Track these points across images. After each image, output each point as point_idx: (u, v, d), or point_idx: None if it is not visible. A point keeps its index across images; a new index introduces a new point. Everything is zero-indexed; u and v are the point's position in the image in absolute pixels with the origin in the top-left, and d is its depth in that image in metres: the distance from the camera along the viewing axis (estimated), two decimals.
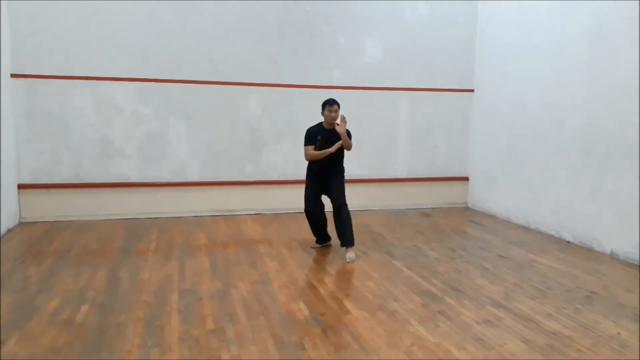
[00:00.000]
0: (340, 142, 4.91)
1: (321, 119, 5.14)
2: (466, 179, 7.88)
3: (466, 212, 7.58)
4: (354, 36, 7.21)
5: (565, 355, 3.11)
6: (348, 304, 3.87)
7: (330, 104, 5.02)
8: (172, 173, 6.73)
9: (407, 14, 7.35)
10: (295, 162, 7.17)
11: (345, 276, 4.53)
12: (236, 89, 6.84)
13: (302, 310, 3.73)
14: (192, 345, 3.15)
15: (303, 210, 5.32)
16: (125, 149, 6.53)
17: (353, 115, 7.29)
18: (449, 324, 3.51)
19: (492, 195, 7.35)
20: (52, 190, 6.32)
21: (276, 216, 6.91)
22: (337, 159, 5.14)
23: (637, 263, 5.00)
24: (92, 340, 3.19)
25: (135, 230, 6.00)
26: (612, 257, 5.27)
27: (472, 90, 7.71)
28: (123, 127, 6.50)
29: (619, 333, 3.45)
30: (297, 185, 7.18)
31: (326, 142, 4.96)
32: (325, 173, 5.15)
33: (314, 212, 5.23)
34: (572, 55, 5.81)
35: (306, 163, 5.23)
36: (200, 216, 6.78)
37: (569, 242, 5.83)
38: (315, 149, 5.01)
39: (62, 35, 6.17)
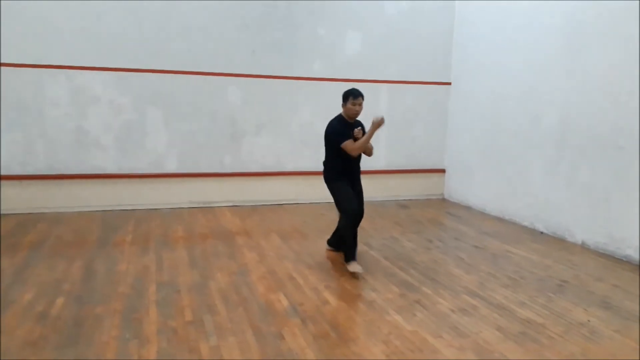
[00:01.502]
0: (379, 120, 4.32)
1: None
2: (443, 171, 7.98)
3: (443, 203, 7.68)
4: (334, 28, 7.20)
5: (537, 342, 3.20)
6: (327, 295, 3.91)
7: (355, 96, 4.41)
8: (149, 164, 6.65)
9: (387, 7, 7.37)
10: (275, 153, 7.18)
11: (324, 267, 4.55)
12: (216, 79, 6.78)
13: (281, 301, 3.75)
14: (171, 337, 3.15)
15: (345, 217, 4.45)
16: (101, 140, 6.42)
17: (333, 107, 7.33)
18: (425, 313, 3.57)
19: (468, 187, 7.46)
20: (26, 182, 6.19)
21: (255, 208, 6.90)
22: (359, 157, 4.64)
23: (607, 253, 5.15)
24: (68, 333, 3.15)
25: (111, 222, 5.92)
26: (584, 247, 5.42)
27: (450, 84, 7.79)
28: (99, 117, 6.38)
29: (589, 320, 3.56)
30: (277, 177, 7.23)
31: (350, 136, 4.45)
32: (351, 173, 4.62)
33: (360, 213, 4.58)
34: (549, 51, 5.91)
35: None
36: (178, 208, 6.73)
37: (542, 232, 5.97)
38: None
39: (36, 22, 6.01)
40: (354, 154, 4.42)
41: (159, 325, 3.30)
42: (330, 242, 5.04)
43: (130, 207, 6.55)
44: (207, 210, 6.72)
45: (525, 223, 6.28)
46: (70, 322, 3.30)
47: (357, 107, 4.45)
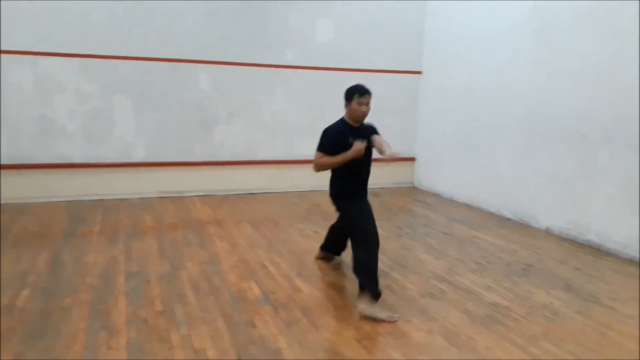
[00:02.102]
0: (374, 141, 3.63)
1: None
2: (413, 159, 8.08)
3: (413, 191, 7.79)
4: (306, 16, 7.16)
5: (503, 325, 3.31)
6: (298, 282, 3.93)
7: (361, 93, 3.60)
8: (117, 153, 6.52)
9: None
10: (247, 142, 7.13)
11: (296, 255, 4.57)
12: (186, 66, 6.67)
13: (252, 290, 3.76)
14: (141, 327, 3.12)
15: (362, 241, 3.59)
16: (67, 128, 6.25)
17: (306, 95, 7.34)
18: (395, 298, 3.64)
19: (438, 175, 7.58)
20: None
21: (226, 197, 6.86)
22: (369, 169, 3.85)
23: (570, 238, 5.33)
24: (35, 325, 3.09)
25: (78, 212, 5.80)
26: (548, 232, 5.59)
27: (420, 73, 7.87)
28: (65, 105, 6.21)
29: (551, 302, 3.69)
30: (249, 166, 7.19)
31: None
32: (363, 188, 3.85)
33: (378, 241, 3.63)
34: (517, 42, 6.02)
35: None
36: (147, 198, 6.63)
37: (508, 219, 6.13)
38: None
39: None
40: (315, 169, 3.73)
41: (128, 315, 3.26)
42: (327, 245, 4.36)
43: (98, 197, 6.42)
44: (177, 199, 6.64)
45: (493, 210, 6.43)
46: (37, 314, 3.24)
47: (363, 108, 3.61)
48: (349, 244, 3.79)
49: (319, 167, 3.70)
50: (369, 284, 3.44)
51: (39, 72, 6.05)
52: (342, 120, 3.76)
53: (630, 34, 4.68)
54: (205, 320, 3.23)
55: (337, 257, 4.42)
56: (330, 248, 4.34)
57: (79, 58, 6.19)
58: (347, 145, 3.56)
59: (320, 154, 3.66)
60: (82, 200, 6.32)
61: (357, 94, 3.62)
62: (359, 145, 3.48)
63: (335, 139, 3.63)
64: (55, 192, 6.25)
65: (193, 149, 6.87)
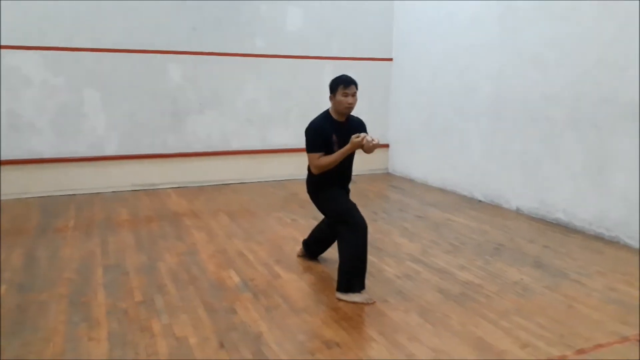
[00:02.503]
0: (361, 140, 3.31)
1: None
2: (387, 146, 8.18)
3: (387, 177, 7.90)
4: (275, 4, 7.14)
5: (476, 301, 3.43)
6: (278, 269, 3.98)
7: (346, 84, 3.45)
8: (88, 147, 6.42)
9: None
10: (220, 132, 7.10)
11: (274, 243, 4.62)
12: (155, 57, 6.59)
13: (232, 278, 3.79)
14: (121, 317, 3.13)
15: (354, 228, 3.43)
16: (35, 123, 6.12)
17: (278, 84, 7.34)
18: (372, 280, 3.72)
19: (411, 160, 7.70)
20: None
21: (201, 189, 6.84)
22: (352, 161, 3.73)
23: (539, 217, 5.51)
24: (13, 321, 3.07)
25: (50, 208, 5.71)
26: (518, 212, 5.77)
27: (391, 60, 7.95)
28: (32, 100, 6.08)
29: (522, 279, 3.84)
30: (222, 157, 7.17)
31: (343, 141, 3.46)
32: (344, 180, 3.78)
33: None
34: (484, 27, 6.14)
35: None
36: (121, 191, 6.57)
37: (480, 201, 6.30)
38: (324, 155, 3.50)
39: None
40: (316, 172, 3.55)
41: (108, 307, 3.27)
42: (308, 246, 4.16)
43: (70, 192, 6.33)
44: (151, 192, 6.59)
45: (465, 193, 6.59)
46: (14, 310, 3.21)
47: (349, 99, 3.47)
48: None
49: (320, 169, 3.51)
50: (355, 283, 3.39)
51: (4, 67, 5.90)
52: (326, 115, 3.61)
53: (588, 16, 4.83)
54: (185, 309, 3.25)
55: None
56: (310, 248, 4.15)
57: (44, 51, 6.06)
58: (330, 143, 3.49)
59: (317, 155, 3.49)
60: (54, 196, 6.21)
61: (341, 84, 3.47)
62: (356, 140, 3.31)
63: (321, 135, 3.51)
64: (26, 189, 6.13)
65: (166, 140, 6.81)
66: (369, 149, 3.33)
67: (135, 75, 6.53)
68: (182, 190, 6.74)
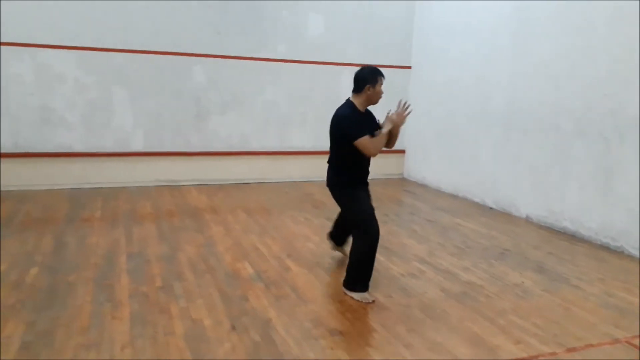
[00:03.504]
0: (397, 115, 3.61)
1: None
2: (403, 151, 8.35)
3: (402, 182, 8.07)
4: (297, 10, 7.39)
5: (476, 300, 3.60)
6: (289, 263, 4.20)
7: (381, 75, 3.55)
8: (115, 143, 6.75)
9: None
10: (240, 133, 7.37)
11: (287, 239, 4.84)
12: (181, 59, 6.90)
13: (246, 269, 4.03)
14: (142, 300, 3.39)
15: (367, 234, 3.52)
16: (67, 118, 6.48)
17: (298, 89, 7.59)
18: (378, 277, 3.90)
19: (426, 166, 7.87)
20: None
21: (221, 186, 7.11)
22: (369, 158, 3.72)
23: (547, 225, 5.63)
24: (43, 298, 3.35)
25: (78, 199, 6.04)
26: (527, 220, 5.89)
27: (410, 67, 8.13)
28: (64, 96, 6.44)
29: (523, 282, 3.99)
30: (242, 157, 7.44)
31: (368, 131, 3.51)
32: (365, 179, 3.83)
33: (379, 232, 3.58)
34: (498, 38, 6.29)
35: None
36: (145, 186, 6.88)
37: (491, 208, 6.43)
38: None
39: None
40: (372, 153, 3.52)
41: (130, 290, 3.53)
42: (333, 235, 4.25)
43: (97, 185, 6.66)
44: (174, 188, 6.89)
45: (476, 199, 6.72)
46: (45, 289, 3.49)
47: (382, 91, 3.58)
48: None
49: (376, 150, 3.50)
50: (358, 284, 3.53)
51: (38, 64, 6.27)
52: (351, 105, 3.58)
53: (599, 29, 4.95)
54: (201, 295, 3.49)
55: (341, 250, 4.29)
56: (335, 236, 4.23)
57: (76, 50, 6.41)
58: (366, 129, 3.48)
59: (366, 138, 3.44)
60: (82, 188, 6.55)
61: (381, 76, 3.52)
62: (391, 116, 3.56)
63: (358, 122, 3.51)
64: (55, 180, 6.48)
65: (189, 139, 7.11)
66: (402, 118, 3.59)
67: (162, 75, 6.85)
68: (202, 187, 7.02)
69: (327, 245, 4.56)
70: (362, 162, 3.66)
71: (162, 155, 6.99)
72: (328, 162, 3.78)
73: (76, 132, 6.54)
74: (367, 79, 3.51)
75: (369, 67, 3.58)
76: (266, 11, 7.23)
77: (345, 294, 3.59)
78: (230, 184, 7.28)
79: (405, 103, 3.62)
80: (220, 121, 7.24)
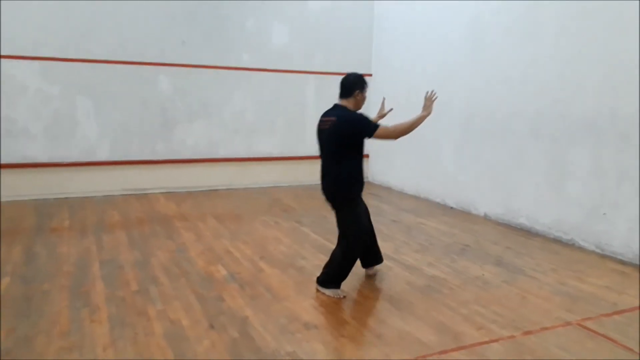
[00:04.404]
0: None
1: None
2: (367, 156, 8.61)
3: (367, 185, 8.21)
4: (261, 20, 7.56)
5: (439, 293, 3.82)
6: (262, 264, 4.33)
7: (366, 84, 3.81)
8: (81, 153, 6.72)
9: (310, 2, 7.83)
10: (208, 140, 7.45)
11: (259, 243, 4.96)
12: (146, 68, 6.94)
13: (220, 271, 4.13)
14: (119, 304, 3.45)
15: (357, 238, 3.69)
16: (30, 129, 6.41)
17: (265, 96, 7.74)
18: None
19: (389, 170, 8.14)
20: None
21: (190, 194, 7.16)
22: None
23: (505, 222, 5.95)
24: (19, 306, 3.37)
25: (45, 210, 5.99)
26: (486, 218, 6.21)
27: (371, 75, 8.41)
28: (27, 107, 6.38)
29: (483, 274, 4.25)
30: (210, 164, 7.51)
31: None
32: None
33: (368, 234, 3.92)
34: (457, 45, 6.63)
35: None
36: (111, 195, 6.86)
37: (452, 207, 6.73)
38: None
39: None
40: (400, 135, 3.84)
41: (106, 295, 3.58)
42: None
43: (63, 196, 6.60)
44: (141, 196, 6.90)
45: (438, 200, 7.02)
46: (20, 298, 3.51)
47: (366, 96, 3.85)
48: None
49: (400, 133, 3.79)
50: (330, 283, 3.67)
51: (1, 75, 6.19)
52: (346, 108, 3.75)
53: (548, 38, 5.33)
54: (178, 297, 3.59)
55: (377, 266, 4.22)
56: (367, 259, 4.12)
57: (40, 60, 6.37)
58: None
59: (383, 126, 3.70)
60: (47, 199, 6.49)
61: (366, 85, 3.75)
62: (428, 104, 3.97)
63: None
64: (20, 191, 6.39)
65: (155, 147, 7.14)
66: (432, 105, 4.02)
67: (127, 85, 6.87)
68: (170, 195, 7.06)
69: (299, 247, 4.72)
70: (362, 167, 3.80)
71: (128, 164, 6.99)
72: (326, 174, 3.74)
73: (40, 142, 6.48)
74: (356, 84, 3.69)
75: (355, 74, 3.76)
76: (231, 20, 7.36)
77: (318, 290, 3.75)
78: (199, 191, 7.34)
79: (432, 91, 3.92)
80: (188, 129, 7.30)
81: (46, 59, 6.39)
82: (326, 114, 3.78)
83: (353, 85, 3.70)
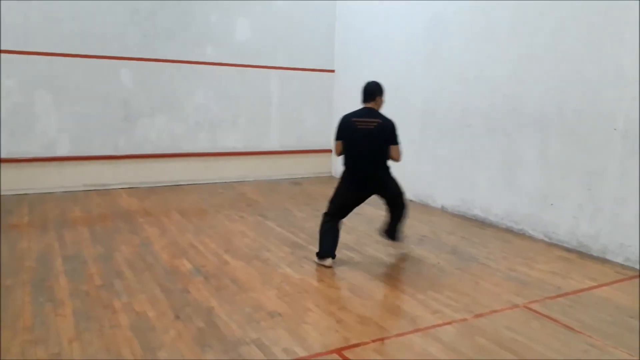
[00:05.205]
0: None
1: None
2: (330, 151, 8.75)
3: (330, 180, 8.45)
4: (225, 15, 7.57)
5: (397, 280, 4.02)
6: (227, 257, 4.42)
7: (384, 89, 4.45)
8: (40, 148, 6.60)
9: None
10: (171, 135, 7.43)
11: (224, 236, 5.04)
12: (107, 62, 6.86)
13: (185, 265, 4.20)
14: (84, 298, 3.48)
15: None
16: None
17: (228, 91, 7.77)
18: (311, 265, 4.23)
19: None
20: None
21: (153, 189, 7.14)
22: None
23: (461, 213, 6.22)
24: None
25: (3, 206, 5.87)
26: (443, 210, 6.46)
27: (333, 71, 8.56)
28: None
29: (439, 262, 4.47)
30: (173, 159, 7.50)
31: None
32: None
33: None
34: (415, 44, 6.84)
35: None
36: (72, 191, 6.77)
37: (411, 200, 6.94)
38: None
39: None
40: (400, 159, 4.54)
41: (70, 289, 3.60)
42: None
43: (22, 192, 6.48)
44: (103, 192, 6.84)
45: None
46: None
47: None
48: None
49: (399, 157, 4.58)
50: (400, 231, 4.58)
51: None
52: (379, 112, 4.36)
53: (500, 36, 5.59)
54: (143, 290, 3.64)
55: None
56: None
57: None
58: None
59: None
60: (5, 195, 6.35)
61: (384, 89, 4.38)
62: None
63: None
64: None
65: (117, 142, 7.07)
66: None
67: (87, 79, 6.78)
68: (133, 190, 7.02)
69: (264, 240, 4.83)
70: None
71: (89, 160, 6.91)
72: (369, 163, 4.40)
73: None
74: (377, 90, 4.32)
75: (375, 82, 4.37)
76: (194, 15, 7.35)
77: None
78: (162, 186, 7.32)
79: None
80: (150, 124, 7.27)
81: (3, 52, 6.24)
82: (364, 115, 4.30)
83: (375, 91, 4.31)
